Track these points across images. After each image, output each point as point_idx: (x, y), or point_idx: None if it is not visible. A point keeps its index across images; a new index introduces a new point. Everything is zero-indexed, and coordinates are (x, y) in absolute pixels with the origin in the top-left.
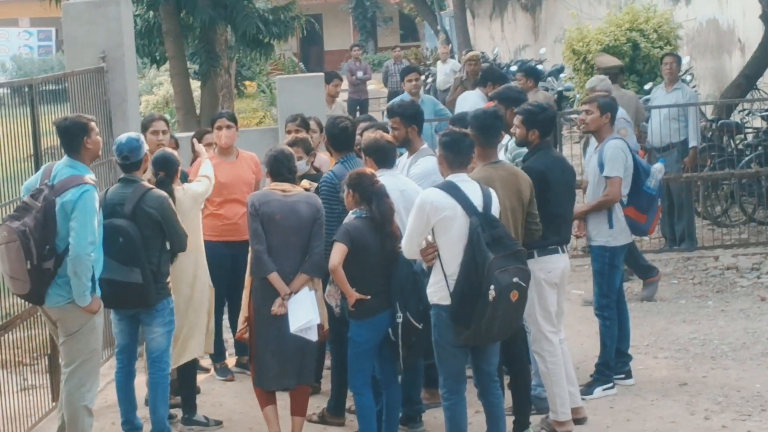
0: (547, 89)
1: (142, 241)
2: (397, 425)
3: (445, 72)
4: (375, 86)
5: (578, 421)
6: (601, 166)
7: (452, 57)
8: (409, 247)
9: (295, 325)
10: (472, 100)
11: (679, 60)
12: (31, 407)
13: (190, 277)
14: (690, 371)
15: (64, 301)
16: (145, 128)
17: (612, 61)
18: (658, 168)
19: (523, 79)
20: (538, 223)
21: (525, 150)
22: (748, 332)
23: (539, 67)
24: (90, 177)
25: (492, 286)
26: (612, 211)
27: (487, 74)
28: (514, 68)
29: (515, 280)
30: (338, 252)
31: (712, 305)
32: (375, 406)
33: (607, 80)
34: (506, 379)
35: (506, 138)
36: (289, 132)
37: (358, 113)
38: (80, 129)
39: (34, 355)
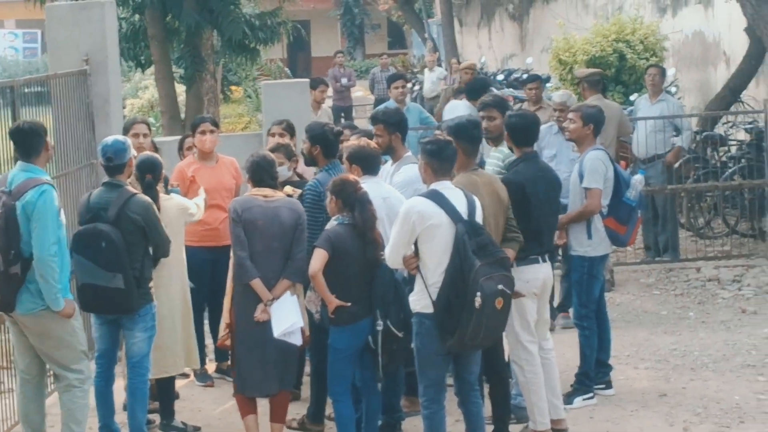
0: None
1: (125, 246)
2: None
3: (431, 80)
4: (362, 93)
5: (558, 431)
6: (581, 177)
7: (439, 65)
8: (394, 257)
9: (278, 330)
10: (460, 111)
11: (663, 71)
12: (8, 411)
13: (173, 291)
14: (670, 382)
15: (38, 308)
16: (126, 130)
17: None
18: (638, 179)
19: (540, 87)
20: (517, 230)
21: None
22: (728, 344)
23: (525, 76)
24: (46, 178)
25: (478, 294)
26: (591, 222)
27: (472, 85)
28: (500, 77)
29: (500, 287)
30: (318, 258)
31: (693, 317)
32: (354, 413)
33: (574, 96)
34: (486, 388)
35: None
36: (272, 134)
37: (342, 120)
38: (40, 132)
39: (11, 358)
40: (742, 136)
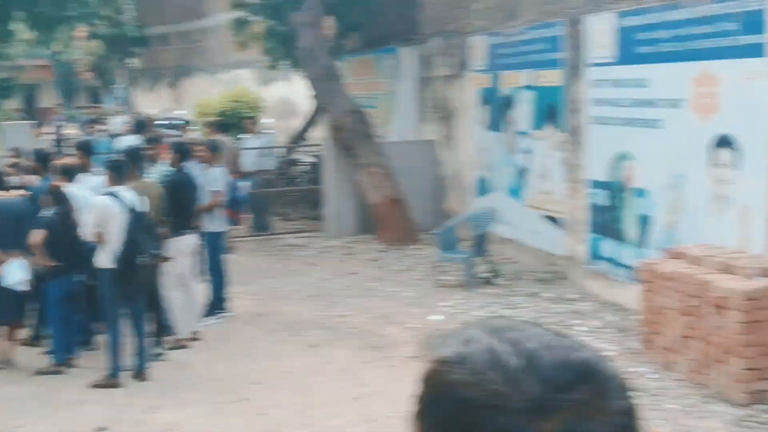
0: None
1: None
2: None
3: (118, 124)
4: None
5: None
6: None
7: (124, 114)
8: (89, 234)
9: None
10: (130, 142)
11: (255, 119)
12: None
13: None
14: None
15: None
16: None
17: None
18: (245, 186)
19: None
20: (169, 216)
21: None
22: None
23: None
24: None
25: (142, 256)
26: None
27: (137, 124)
28: (163, 122)
29: (156, 252)
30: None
31: None
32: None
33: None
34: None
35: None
36: None
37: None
38: None
39: None
40: (309, 159)
